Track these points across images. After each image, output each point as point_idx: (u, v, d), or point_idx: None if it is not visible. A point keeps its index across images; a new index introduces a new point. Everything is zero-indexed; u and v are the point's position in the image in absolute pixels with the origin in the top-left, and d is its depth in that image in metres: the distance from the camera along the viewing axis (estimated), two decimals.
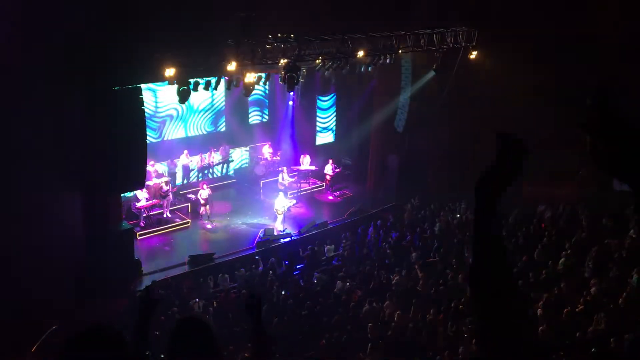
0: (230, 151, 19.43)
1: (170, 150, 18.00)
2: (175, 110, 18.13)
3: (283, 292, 12.20)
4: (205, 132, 19.25)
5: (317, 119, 20.35)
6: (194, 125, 19.09)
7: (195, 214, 16.77)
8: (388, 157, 19.07)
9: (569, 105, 7.64)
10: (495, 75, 15.04)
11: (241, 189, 19.01)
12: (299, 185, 19.00)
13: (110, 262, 12.22)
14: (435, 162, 17.93)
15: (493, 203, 1.98)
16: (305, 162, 19.23)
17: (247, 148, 20.05)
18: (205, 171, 18.78)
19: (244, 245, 15.34)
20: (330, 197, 19.38)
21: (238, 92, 15.56)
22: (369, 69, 15.40)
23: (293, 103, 19.81)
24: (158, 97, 17.48)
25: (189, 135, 18.78)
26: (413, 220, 16.25)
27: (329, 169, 19.23)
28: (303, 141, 20.19)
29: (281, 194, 16.73)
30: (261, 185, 18.92)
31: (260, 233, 15.83)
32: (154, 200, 15.88)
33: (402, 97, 17.99)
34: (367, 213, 17.47)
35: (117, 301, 11.81)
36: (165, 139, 18.19)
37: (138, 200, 15.55)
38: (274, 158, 19.81)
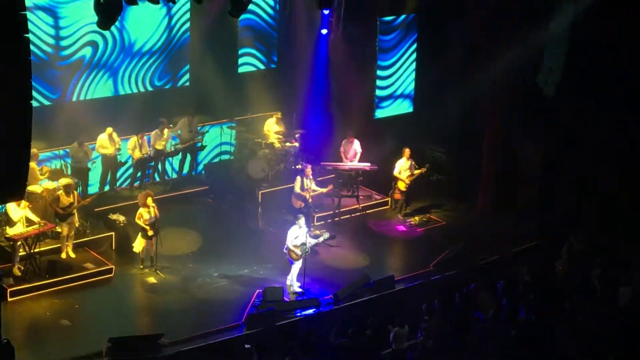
0: (200, 127, 19.17)
1: (79, 125, 17.63)
2: (93, 47, 18.07)
3: None
4: (151, 90, 19.14)
5: (378, 67, 20.37)
6: (130, 77, 18.84)
7: (126, 255, 16.39)
8: (523, 148, 18.53)
9: None
10: None
11: (218, 204, 18.79)
12: (336, 199, 18.61)
13: None
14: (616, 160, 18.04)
15: None
16: (351, 154, 19.00)
17: (234, 123, 19.78)
18: (149, 167, 18.57)
19: (224, 321, 14.74)
20: (403, 228, 18.53)
21: (219, 7, 16.27)
22: None
23: (328, 32, 19.49)
24: (60, 21, 17.52)
25: (121, 93, 18.66)
26: (573, 281, 16.15)
27: (403, 167, 18.60)
28: (347, 112, 20.13)
29: (301, 217, 15.82)
30: (259, 199, 18.58)
31: (256, 298, 15.28)
32: (43, 224, 15.47)
33: (556, 25, 17.64)
34: (476, 262, 16.89)
35: None
36: (72, 99, 18.12)
37: (11, 225, 15.13)
38: (287, 144, 19.34)
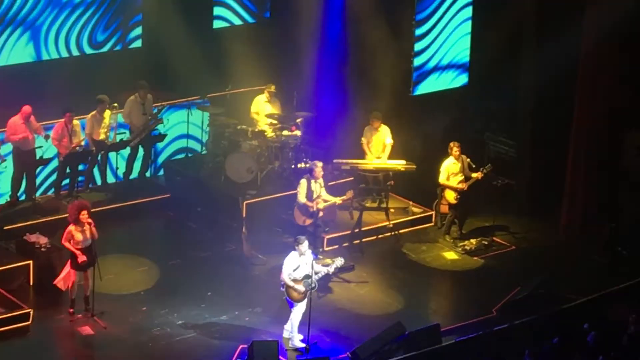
0: (156, 109, 19.53)
1: None
2: None
3: None
4: (86, 53, 19.85)
5: (416, 23, 20.97)
6: (57, 36, 19.44)
7: (49, 293, 16.62)
8: (634, 137, 19.39)
9: None
10: None
11: (183, 221, 19.38)
12: (355, 213, 18.96)
13: None
14: None
15: None
16: (377, 147, 19.46)
17: (206, 102, 20.37)
18: (84, 166, 19.05)
19: None
20: (453, 255, 18.90)
21: None
22: None
23: None
24: None
25: (44, 59, 19.27)
26: None
27: (452, 170, 19.04)
28: (372, 87, 20.52)
29: (304, 240, 15.86)
30: (243, 212, 18.97)
31: (238, 358, 15.56)
32: None
33: None
34: (559, 305, 16.98)
35: None
36: None
37: None
38: (285, 133, 19.73)
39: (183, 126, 20.20)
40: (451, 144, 18.57)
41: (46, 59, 19.08)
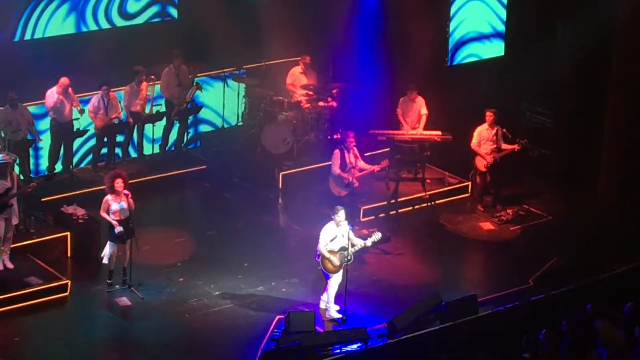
0: (196, 79, 19.66)
1: (15, 76, 18.06)
2: None
3: None
4: (121, 25, 19.82)
5: None
6: (96, 8, 19.47)
7: (87, 264, 16.82)
8: None
9: None
10: None
11: (220, 192, 19.34)
12: (392, 183, 19.10)
13: None
14: None
15: None
16: (413, 118, 19.59)
17: (242, 73, 20.34)
18: (119, 135, 19.11)
19: None
20: (490, 225, 18.97)
21: None
22: None
23: None
24: None
25: (83, 30, 19.35)
26: None
27: (484, 137, 19.04)
28: (408, 56, 20.46)
29: (340, 210, 15.90)
30: (280, 183, 19.17)
31: (275, 328, 15.56)
32: None
33: None
34: (596, 276, 17.08)
35: None
36: (13, 39, 18.87)
37: None
38: (321, 104, 19.77)
39: (219, 98, 20.21)
40: (487, 111, 18.59)
41: (85, 31, 19.06)
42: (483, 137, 18.49)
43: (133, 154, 19.17)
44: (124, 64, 18.95)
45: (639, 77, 19.20)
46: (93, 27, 19.22)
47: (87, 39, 19.05)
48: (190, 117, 19.72)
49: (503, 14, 21.38)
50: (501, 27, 21.49)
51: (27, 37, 18.82)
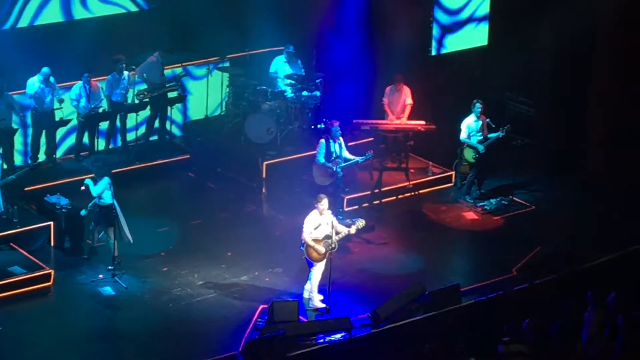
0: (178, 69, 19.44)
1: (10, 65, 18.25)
2: None
3: None
4: (102, 14, 19.89)
5: None
6: None
7: (68, 254, 16.93)
8: None
9: None
10: None
11: (203, 182, 19.47)
12: (375, 173, 19.18)
13: None
14: None
15: None
16: (398, 107, 19.64)
17: (226, 62, 20.59)
18: (101, 124, 19.09)
19: (211, 350, 14.93)
20: (473, 215, 19.02)
21: None
22: None
23: None
24: None
25: (76, 18, 19.53)
26: None
27: (473, 129, 19.13)
28: (393, 46, 20.41)
29: (324, 199, 16.04)
30: (263, 173, 19.22)
31: (258, 318, 15.62)
32: None
33: None
34: (580, 265, 17.00)
35: None
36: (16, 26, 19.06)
37: None
38: (305, 93, 19.78)
39: (202, 87, 20.24)
40: (475, 102, 18.67)
41: (67, 20, 19.07)
42: (472, 130, 18.58)
43: (115, 144, 19.26)
44: (107, 53, 18.98)
45: (622, 64, 19.12)
46: (78, 16, 19.19)
47: (69, 29, 19.03)
48: (179, 106, 19.66)
49: (487, 2, 21.42)
50: (485, 10, 21.39)
51: (7, 26, 18.73)
